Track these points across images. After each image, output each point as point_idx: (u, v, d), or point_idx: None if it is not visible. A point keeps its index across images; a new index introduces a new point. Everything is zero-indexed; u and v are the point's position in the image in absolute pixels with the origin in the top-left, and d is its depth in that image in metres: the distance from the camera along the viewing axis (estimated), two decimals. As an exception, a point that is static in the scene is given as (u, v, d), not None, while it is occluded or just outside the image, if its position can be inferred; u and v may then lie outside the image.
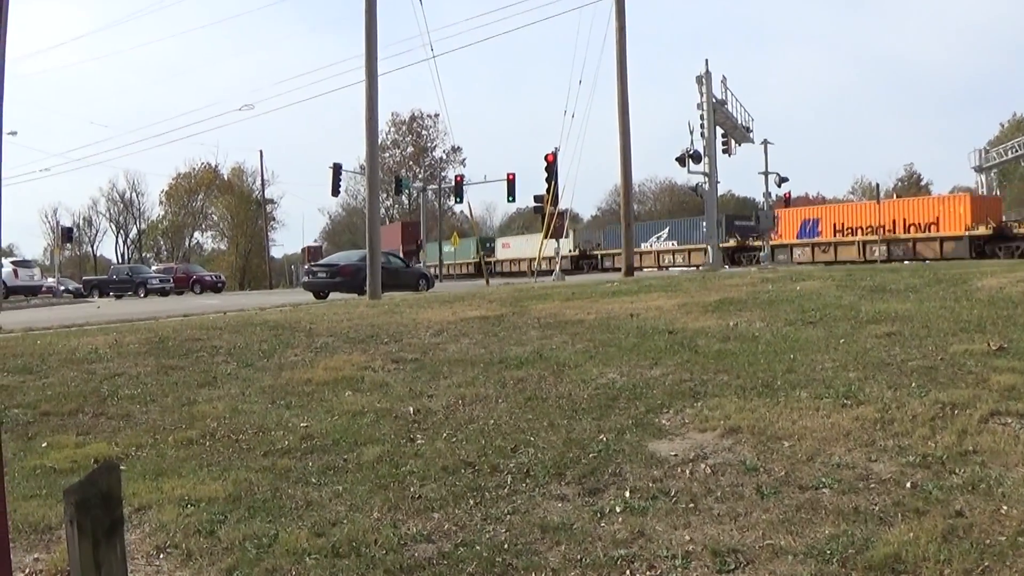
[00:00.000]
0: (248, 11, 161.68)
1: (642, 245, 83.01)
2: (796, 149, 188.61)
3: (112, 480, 4.10)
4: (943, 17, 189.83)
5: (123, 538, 4.19)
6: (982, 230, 58.74)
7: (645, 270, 69.34)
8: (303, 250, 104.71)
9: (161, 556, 6.91)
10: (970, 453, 7.78)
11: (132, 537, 7.21)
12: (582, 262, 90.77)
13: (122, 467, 8.87)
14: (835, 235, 68.40)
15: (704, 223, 54.77)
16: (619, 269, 45.60)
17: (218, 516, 7.55)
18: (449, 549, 6.70)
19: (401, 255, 60.92)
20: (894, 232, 64.44)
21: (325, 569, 6.42)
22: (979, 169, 78.16)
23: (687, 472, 7.96)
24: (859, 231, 65.42)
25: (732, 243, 72.81)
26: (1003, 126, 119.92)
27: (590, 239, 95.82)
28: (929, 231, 62.64)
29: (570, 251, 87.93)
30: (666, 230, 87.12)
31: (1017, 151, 76.67)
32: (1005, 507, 6.61)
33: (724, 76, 51.91)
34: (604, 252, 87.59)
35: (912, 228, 63.71)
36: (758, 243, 67.42)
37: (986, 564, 5.76)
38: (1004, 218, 59.80)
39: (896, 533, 6.30)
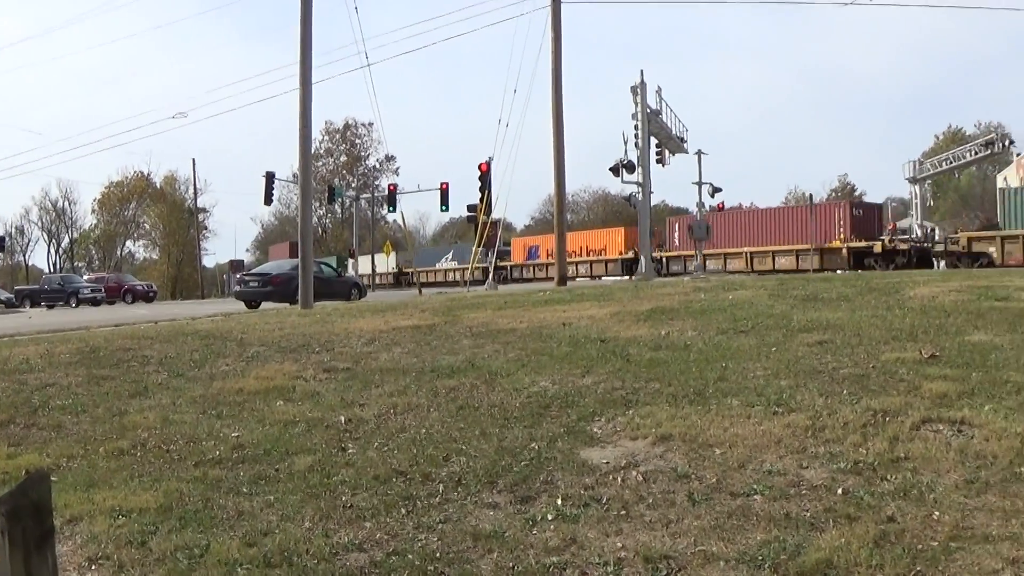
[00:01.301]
0: (182, 19, 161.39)
1: (436, 264, 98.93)
2: (731, 159, 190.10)
3: (43, 490, 4.03)
4: (880, 30, 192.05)
5: (54, 549, 4.12)
6: (631, 255, 75.06)
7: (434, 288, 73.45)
8: (287, 244, 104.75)
9: (93, 567, 6.83)
10: (902, 460, 7.82)
11: (64, 548, 7.13)
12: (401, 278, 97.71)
13: (54, 478, 8.78)
14: (547, 257, 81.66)
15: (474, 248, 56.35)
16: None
17: (150, 527, 7.46)
18: (381, 558, 6.65)
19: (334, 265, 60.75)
20: (581, 255, 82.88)
21: (256, 579, 6.36)
22: (913, 180, 78.70)
23: (619, 479, 7.94)
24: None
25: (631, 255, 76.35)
26: (938, 138, 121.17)
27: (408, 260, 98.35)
28: (601, 254, 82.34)
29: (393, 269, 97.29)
30: (451, 253, 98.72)
31: (951, 163, 77.37)
32: (937, 513, 6.64)
33: (659, 86, 52.16)
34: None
35: (591, 252, 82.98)
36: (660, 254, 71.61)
37: (918, 569, 5.77)
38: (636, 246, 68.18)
39: (828, 539, 6.31)
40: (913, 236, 63.03)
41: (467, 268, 77.95)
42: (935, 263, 56.72)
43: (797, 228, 66.03)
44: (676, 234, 76.48)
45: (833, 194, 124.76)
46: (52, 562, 4.07)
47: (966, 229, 62.18)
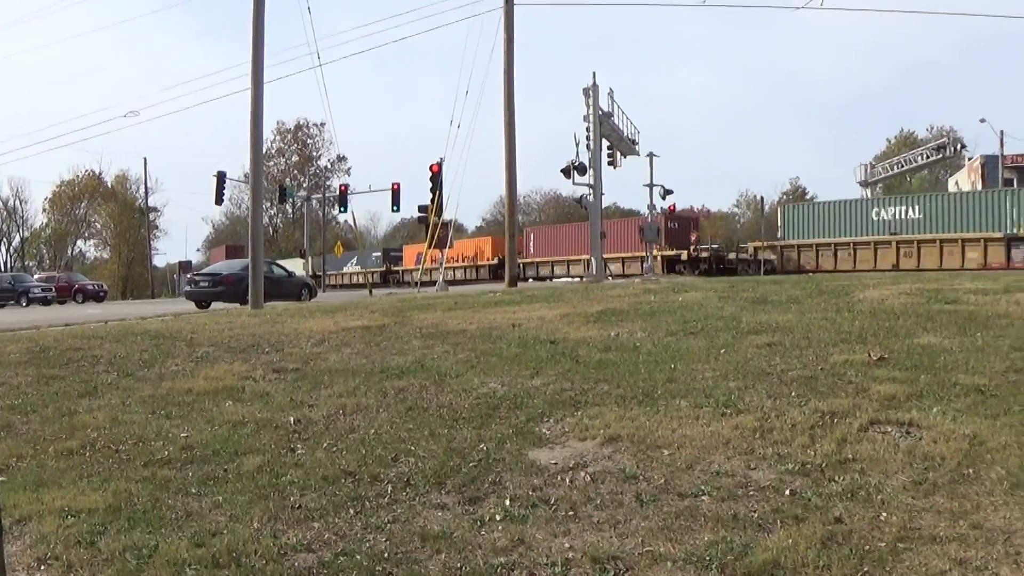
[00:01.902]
0: (135, 17, 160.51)
1: (343, 269, 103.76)
2: (683, 162, 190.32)
3: (-10, 491, 4.00)
4: (832, 34, 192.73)
5: (3, 549, 4.08)
6: (496, 261, 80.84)
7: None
8: (223, 248, 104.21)
9: (42, 568, 6.79)
10: (849, 461, 7.85)
11: (13, 549, 7.08)
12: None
13: (2, 478, 8.81)
14: (432, 262, 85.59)
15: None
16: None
17: (98, 527, 7.42)
18: (329, 558, 6.63)
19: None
20: (458, 261, 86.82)
21: (205, 580, 6.32)
22: (864, 184, 79.34)
23: (567, 480, 7.94)
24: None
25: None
26: (890, 142, 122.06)
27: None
28: (474, 261, 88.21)
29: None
30: (355, 259, 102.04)
31: (903, 166, 78.01)
32: (884, 514, 6.67)
33: (611, 89, 52.07)
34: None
35: (466, 259, 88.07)
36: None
37: (865, 569, 5.79)
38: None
39: (775, 539, 6.32)
40: (714, 245, 70.36)
41: (370, 272, 79.52)
42: (737, 268, 62.98)
43: (629, 238, 71.12)
44: (532, 243, 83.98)
45: (784, 197, 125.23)
46: (0, 562, 4.04)
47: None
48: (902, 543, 6.15)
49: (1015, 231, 50.25)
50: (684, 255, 66.61)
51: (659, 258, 66.11)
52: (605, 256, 58.21)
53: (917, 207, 57.60)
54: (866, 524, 6.52)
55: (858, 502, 6.95)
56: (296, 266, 72.50)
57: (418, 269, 76.20)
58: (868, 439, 8.36)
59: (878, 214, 60.00)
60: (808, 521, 6.62)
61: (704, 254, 66.56)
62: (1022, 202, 51.78)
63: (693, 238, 72.54)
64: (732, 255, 67.26)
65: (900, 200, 62.23)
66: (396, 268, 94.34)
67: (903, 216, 58.42)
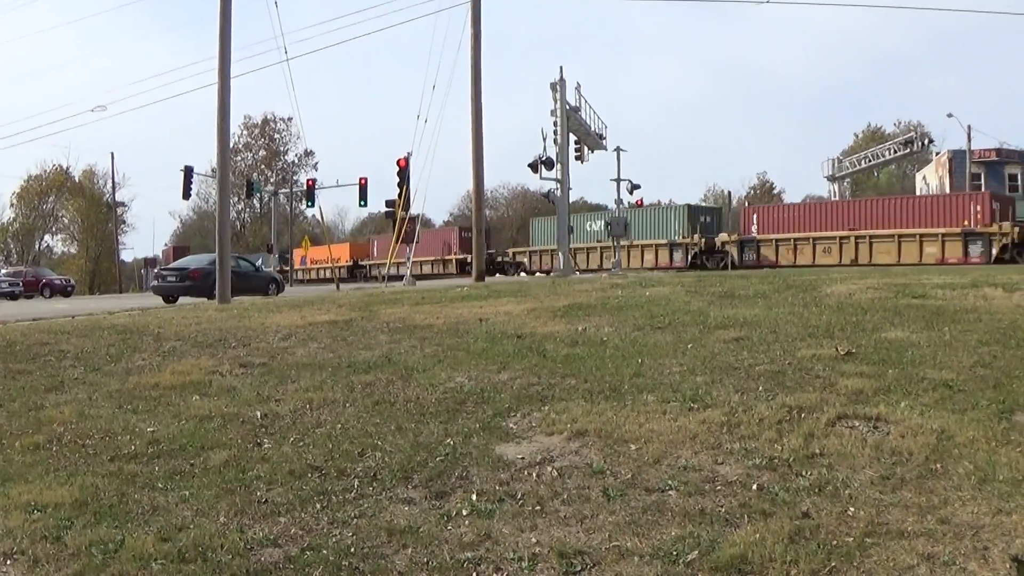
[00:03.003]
0: (102, 11, 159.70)
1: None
2: (650, 156, 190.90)
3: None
4: (799, 28, 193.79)
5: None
6: (351, 263, 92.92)
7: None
8: (164, 251, 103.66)
9: (8, 563, 6.78)
10: (817, 456, 7.85)
11: (-23, 544, 7.03)
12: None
13: (-33, 473, 8.69)
14: (311, 264, 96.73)
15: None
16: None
17: (65, 522, 7.42)
18: (296, 553, 6.63)
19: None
20: (324, 262, 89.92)
21: (171, 574, 6.36)
22: (832, 178, 79.69)
23: (534, 475, 7.93)
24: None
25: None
26: (857, 136, 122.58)
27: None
28: (337, 262, 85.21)
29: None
30: (260, 259, 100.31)
31: (870, 161, 78.35)
32: (852, 508, 6.67)
33: (578, 83, 52.11)
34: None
35: (332, 260, 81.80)
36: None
37: (833, 564, 5.79)
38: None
39: (742, 534, 6.32)
40: (493, 251, 76.65)
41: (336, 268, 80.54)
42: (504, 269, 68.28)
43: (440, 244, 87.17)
44: (375, 245, 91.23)
45: (752, 191, 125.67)
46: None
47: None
48: (870, 538, 6.16)
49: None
50: (469, 258, 68.41)
51: (455, 260, 77.06)
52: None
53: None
54: (834, 519, 6.52)
55: (826, 497, 6.95)
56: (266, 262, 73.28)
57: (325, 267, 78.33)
58: (835, 434, 8.36)
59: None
60: (775, 516, 6.62)
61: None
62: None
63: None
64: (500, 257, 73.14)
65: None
66: (286, 268, 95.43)
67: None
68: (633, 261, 68.54)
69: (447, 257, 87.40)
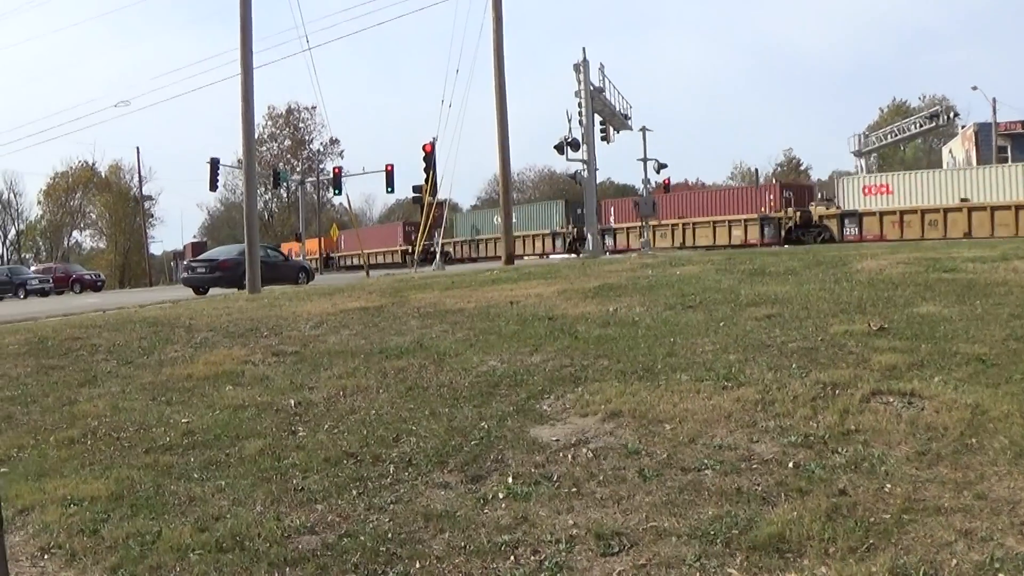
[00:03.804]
0: (123, 6, 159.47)
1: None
2: (677, 136, 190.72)
3: (-10, 482, 3.98)
4: (824, 3, 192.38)
5: (3, 539, 4.06)
6: (326, 254, 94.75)
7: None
8: (185, 247, 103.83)
9: (45, 557, 6.79)
10: (852, 432, 7.81)
11: (16, 539, 7.10)
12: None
13: (4, 469, 8.84)
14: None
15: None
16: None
17: (101, 515, 7.43)
18: (333, 540, 6.62)
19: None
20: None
21: (209, 564, 6.33)
22: (858, 153, 79.22)
23: (569, 457, 7.92)
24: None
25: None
26: (883, 111, 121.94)
27: None
28: (312, 253, 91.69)
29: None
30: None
31: (896, 135, 77.92)
32: (888, 485, 6.63)
33: (602, 64, 51.93)
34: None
35: (310, 252, 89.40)
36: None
37: (871, 542, 5.76)
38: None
39: (780, 513, 6.29)
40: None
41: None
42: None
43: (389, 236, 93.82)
44: (343, 241, 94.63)
45: (779, 168, 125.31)
46: (2, 552, 4.02)
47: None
48: (907, 514, 6.12)
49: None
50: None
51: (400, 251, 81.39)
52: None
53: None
54: (870, 496, 6.48)
55: (862, 474, 6.92)
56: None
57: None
58: (870, 410, 8.32)
59: None
60: (812, 494, 6.59)
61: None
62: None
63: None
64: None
65: None
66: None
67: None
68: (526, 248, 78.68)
69: (393, 248, 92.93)
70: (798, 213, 62.37)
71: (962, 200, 54.47)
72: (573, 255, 65.17)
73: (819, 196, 66.46)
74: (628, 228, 71.50)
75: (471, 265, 60.30)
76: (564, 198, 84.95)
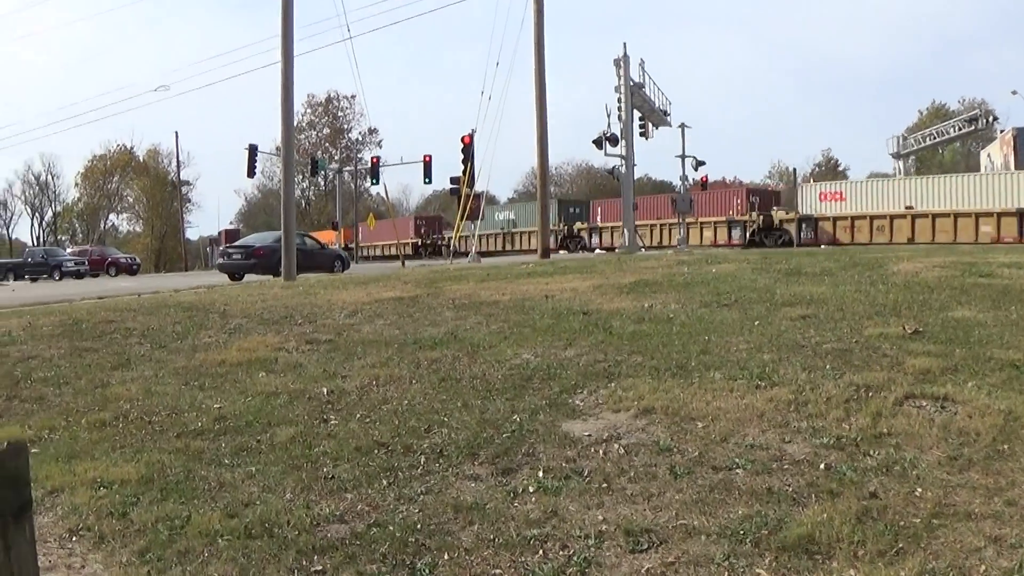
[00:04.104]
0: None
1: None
2: (715, 133, 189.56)
3: (20, 462, 3.98)
4: (865, 4, 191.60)
5: (32, 520, 4.08)
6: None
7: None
8: (220, 233, 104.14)
9: (74, 539, 6.86)
10: (885, 435, 7.79)
11: (45, 520, 7.16)
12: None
13: (35, 450, 8.86)
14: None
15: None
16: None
17: (131, 498, 7.50)
18: (362, 529, 6.66)
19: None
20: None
21: (237, 550, 6.38)
22: (896, 156, 78.97)
23: (601, 452, 7.93)
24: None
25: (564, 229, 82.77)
26: (921, 113, 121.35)
27: None
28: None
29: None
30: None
31: (934, 138, 77.63)
32: (920, 489, 6.63)
33: (642, 59, 51.79)
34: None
35: None
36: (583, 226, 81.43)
37: (900, 546, 5.76)
38: None
39: (810, 514, 6.29)
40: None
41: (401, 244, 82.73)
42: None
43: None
44: (362, 231, 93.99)
45: (816, 168, 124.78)
46: (30, 533, 4.03)
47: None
48: (937, 519, 6.11)
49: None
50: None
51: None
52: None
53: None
54: (901, 500, 6.48)
55: (893, 477, 6.91)
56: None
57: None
58: (903, 413, 8.30)
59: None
60: (843, 496, 6.59)
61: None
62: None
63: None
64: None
65: None
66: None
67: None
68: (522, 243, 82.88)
69: (404, 241, 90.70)
70: (761, 217, 65.50)
71: (907, 208, 58.69)
72: (564, 251, 72.56)
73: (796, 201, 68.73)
74: (612, 227, 73.27)
75: (506, 258, 60.30)
76: (556, 198, 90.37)
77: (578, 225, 78.98)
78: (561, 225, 78.83)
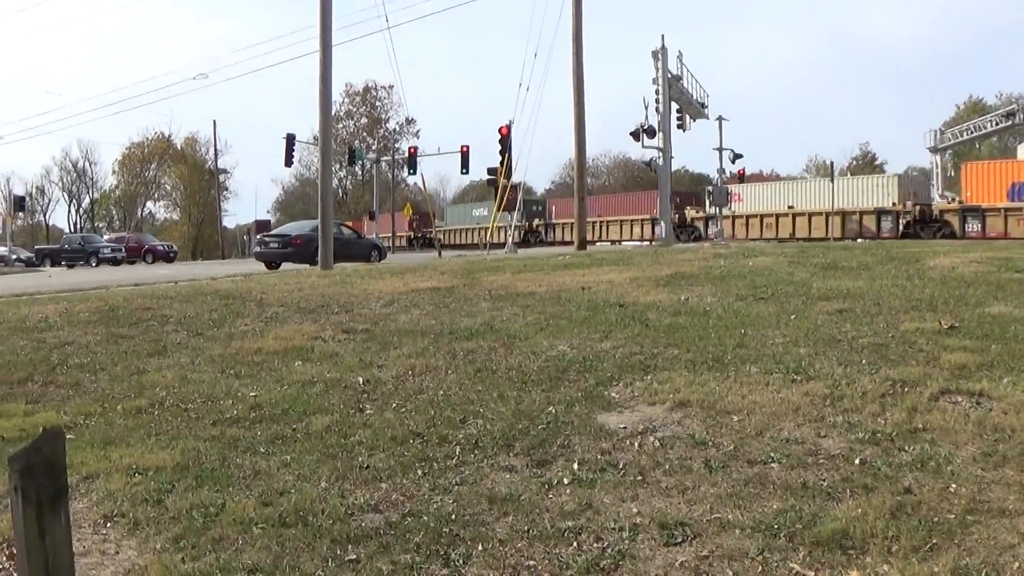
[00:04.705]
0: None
1: None
2: (751, 126, 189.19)
3: (57, 447, 4.03)
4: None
5: (67, 506, 4.12)
6: None
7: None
8: (252, 223, 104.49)
9: (108, 525, 6.88)
10: (920, 431, 7.78)
11: (79, 506, 7.19)
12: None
13: (70, 436, 8.88)
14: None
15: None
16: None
17: (166, 485, 7.52)
18: (396, 519, 6.67)
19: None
20: None
21: (272, 538, 6.40)
22: (934, 150, 78.46)
23: (636, 445, 7.93)
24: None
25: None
26: (959, 107, 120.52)
27: None
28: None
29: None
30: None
31: (972, 133, 77.06)
32: (954, 485, 6.61)
33: (680, 51, 51.57)
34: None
35: None
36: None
37: (934, 541, 5.75)
38: None
39: (844, 509, 6.28)
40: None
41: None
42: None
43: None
44: (365, 223, 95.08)
45: (854, 162, 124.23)
46: (65, 518, 4.08)
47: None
48: (971, 515, 6.10)
49: None
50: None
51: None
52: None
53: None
54: (935, 495, 6.46)
55: (927, 473, 6.89)
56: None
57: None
58: (938, 409, 8.28)
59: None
60: (877, 491, 6.57)
61: None
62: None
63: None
64: None
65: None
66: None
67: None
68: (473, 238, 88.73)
69: (399, 234, 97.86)
70: (677, 215, 70.20)
71: (789, 208, 67.09)
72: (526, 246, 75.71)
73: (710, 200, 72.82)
74: (564, 224, 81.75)
75: (541, 249, 60.25)
76: (523, 196, 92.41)
77: (536, 221, 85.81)
78: (524, 222, 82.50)
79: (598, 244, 68.60)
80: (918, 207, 60.01)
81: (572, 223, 67.59)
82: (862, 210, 62.23)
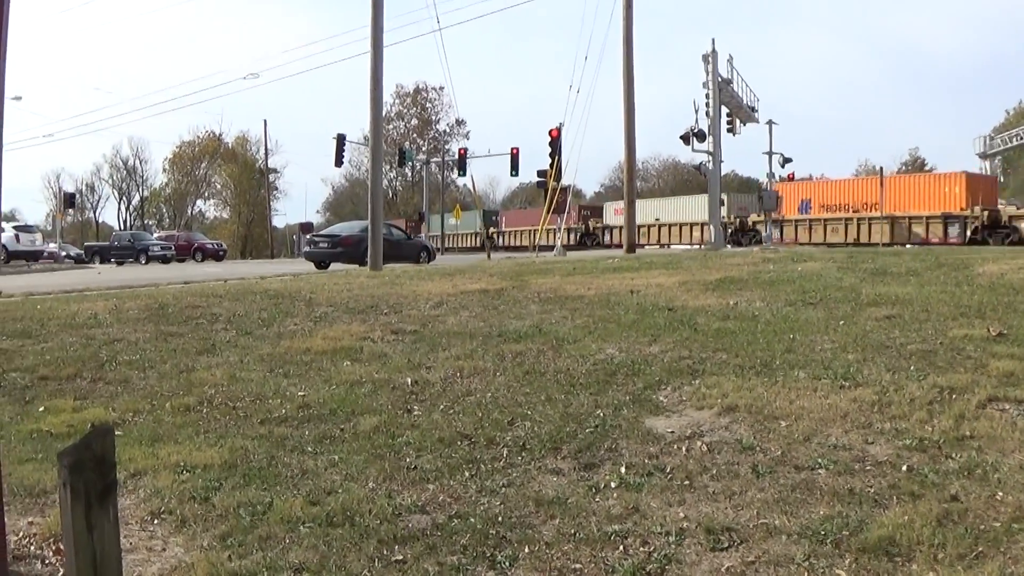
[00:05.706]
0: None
1: None
2: (801, 130, 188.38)
3: (106, 444, 4.09)
4: (952, 2, 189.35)
5: (116, 502, 4.18)
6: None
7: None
8: (298, 225, 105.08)
9: (155, 522, 6.92)
10: (967, 438, 7.75)
11: (127, 503, 7.22)
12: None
13: (119, 432, 8.88)
14: None
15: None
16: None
17: (213, 483, 7.56)
18: (443, 520, 6.70)
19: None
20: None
21: (319, 538, 6.43)
22: (983, 155, 78.14)
23: (683, 449, 7.95)
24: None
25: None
26: (1008, 113, 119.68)
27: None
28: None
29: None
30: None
31: (1021, 139, 76.68)
32: (1001, 493, 6.59)
33: (731, 55, 51.42)
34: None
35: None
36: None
37: (980, 550, 5.74)
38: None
39: (891, 516, 6.28)
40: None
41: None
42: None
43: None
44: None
45: (903, 167, 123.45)
46: (113, 514, 4.15)
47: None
48: (1017, 523, 6.07)
49: None
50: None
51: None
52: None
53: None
54: (982, 503, 6.44)
55: (974, 480, 6.87)
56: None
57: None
58: (986, 416, 8.24)
59: None
60: (924, 498, 6.56)
61: None
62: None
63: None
64: None
65: None
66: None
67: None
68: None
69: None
70: (583, 224, 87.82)
71: (656, 219, 79.14)
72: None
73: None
74: (518, 231, 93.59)
75: (590, 252, 60.20)
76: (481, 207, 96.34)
77: (492, 230, 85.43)
78: (580, 224, 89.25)
79: (647, 247, 68.64)
80: (986, 212, 57.94)
81: (528, 229, 77.16)
82: (928, 215, 59.67)
